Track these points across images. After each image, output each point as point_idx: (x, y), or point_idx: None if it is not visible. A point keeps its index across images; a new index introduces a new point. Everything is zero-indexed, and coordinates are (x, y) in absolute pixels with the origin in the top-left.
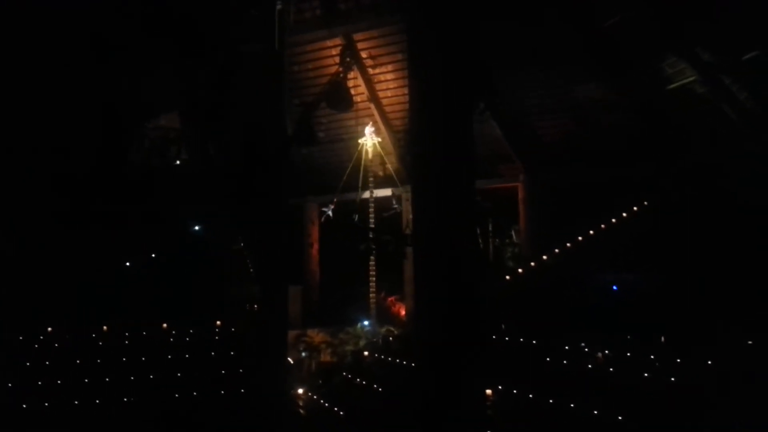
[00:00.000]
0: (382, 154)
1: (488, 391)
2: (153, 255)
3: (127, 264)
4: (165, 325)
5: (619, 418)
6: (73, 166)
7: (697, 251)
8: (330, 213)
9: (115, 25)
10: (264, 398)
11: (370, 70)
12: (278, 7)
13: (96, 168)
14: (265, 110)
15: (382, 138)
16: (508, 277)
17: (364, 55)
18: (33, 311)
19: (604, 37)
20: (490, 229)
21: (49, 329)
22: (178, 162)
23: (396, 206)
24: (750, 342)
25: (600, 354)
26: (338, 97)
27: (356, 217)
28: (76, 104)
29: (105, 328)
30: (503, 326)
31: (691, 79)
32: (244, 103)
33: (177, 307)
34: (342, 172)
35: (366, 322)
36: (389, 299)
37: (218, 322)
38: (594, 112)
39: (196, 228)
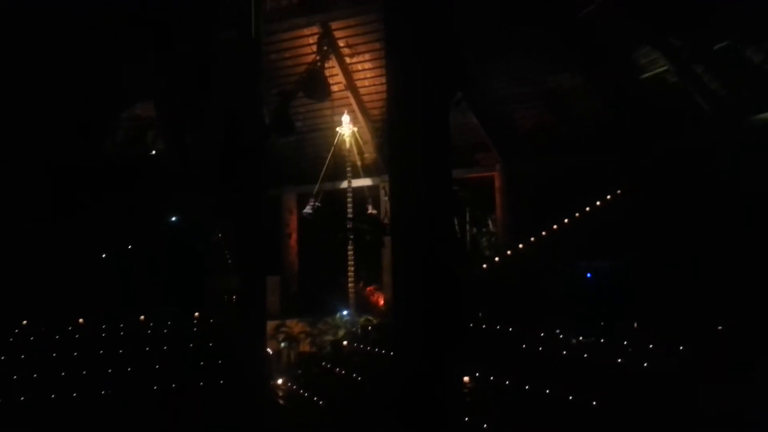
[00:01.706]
0: (360, 143)
1: (466, 378)
2: (129, 246)
3: (103, 256)
4: (142, 317)
5: (593, 403)
6: (47, 157)
7: (671, 238)
8: (311, 210)
9: (89, 13)
10: (243, 389)
11: (348, 59)
12: None
13: (70, 158)
14: (241, 99)
15: (360, 127)
16: (485, 266)
17: (341, 43)
18: (6, 304)
19: (578, 26)
20: (468, 218)
21: (24, 322)
22: (153, 152)
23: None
24: (721, 327)
25: (574, 340)
26: (315, 86)
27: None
28: (49, 93)
29: (81, 320)
30: (480, 314)
31: (663, 68)
32: (220, 92)
33: (154, 299)
34: (320, 161)
35: (345, 312)
36: (368, 289)
37: (196, 314)
38: (569, 101)
39: (173, 219)
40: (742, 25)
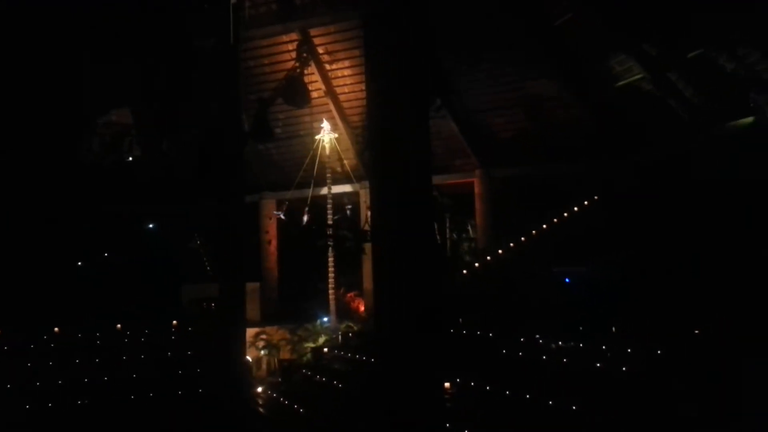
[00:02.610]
0: (339, 150)
1: (447, 384)
2: (105, 255)
3: (79, 264)
4: (119, 326)
5: (573, 407)
6: (20, 164)
7: (649, 243)
8: (282, 216)
9: (64, 19)
10: (223, 398)
11: (327, 66)
12: (232, 1)
13: (44, 165)
14: (220, 106)
15: (340, 134)
16: (465, 272)
17: (320, 50)
18: None
19: (555, 35)
20: (448, 223)
21: None
22: (130, 159)
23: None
24: (697, 332)
25: (554, 345)
26: (295, 92)
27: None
28: (22, 98)
29: (56, 329)
30: (461, 320)
31: (638, 76)
32: (198, 98)
33: (132, 308)
34: (299, 168)
35: (325, 319)
36: (348, 295)
37: (174, 322)
38: (546, 109)
39: (151, 226)
40: (715, 33)
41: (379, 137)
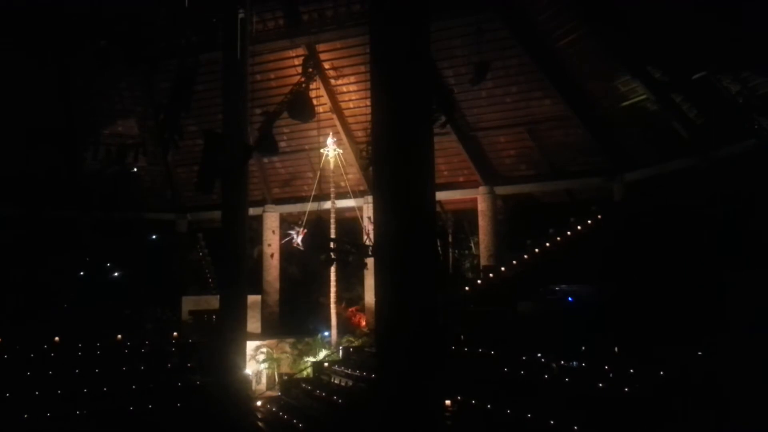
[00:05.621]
0: (344, 164)
1: (447, 402)
2: (108, 264)
3: (81, 273)
4: (119, 336)
5: (575, 427)
6: (26, 172)
7: (649, 263)
8: (300, 245)
9: (71, 31)
10: (222, 412)
11: (333, 81)
12: (240, 15)
13: (50, 174)
14: (225, 119)
15: (344, 149)
16: (467, 288)
17: (326, 66)
18: None
19: (558, 55)
20: (450, 240)
21: None
22: (135, 169)
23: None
24: (699, 352)
25: (555, 364)
26: (300, 107)
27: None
28: (30, 109)
29: (57, 339)
30: (462, 336)
31: (643, 97)
32: (204, 110)
33: (132, 318)
34: (303, 182)
35: (326, 333)
36: (350, 310)
37: (175, 333)
38: (550, 127)
39: (153, 237)
40: (719, 56)
41: (384, 152)
